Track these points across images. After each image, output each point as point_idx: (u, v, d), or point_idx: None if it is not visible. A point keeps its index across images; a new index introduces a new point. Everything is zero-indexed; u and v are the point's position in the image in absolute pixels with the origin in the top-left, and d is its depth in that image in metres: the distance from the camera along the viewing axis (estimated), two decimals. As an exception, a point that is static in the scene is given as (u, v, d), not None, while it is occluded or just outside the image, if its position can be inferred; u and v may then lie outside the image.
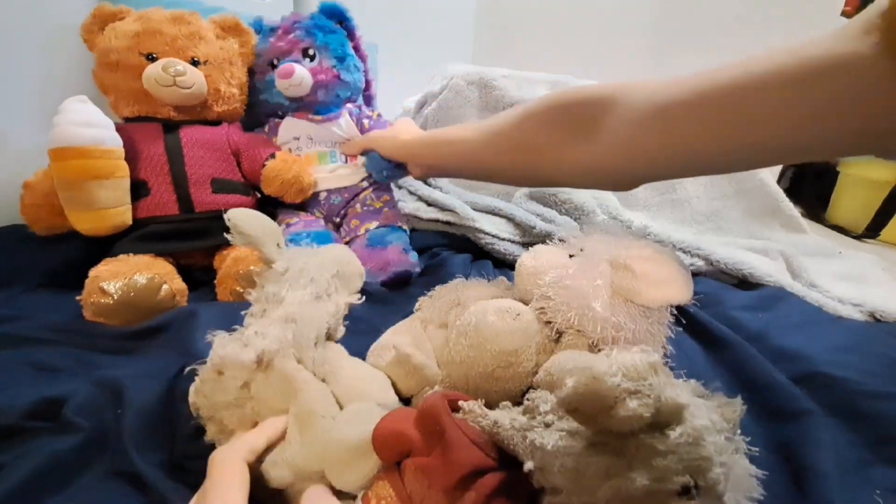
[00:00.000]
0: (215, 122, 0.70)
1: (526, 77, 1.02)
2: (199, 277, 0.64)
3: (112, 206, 0.56)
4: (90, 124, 0.54)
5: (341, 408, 0.38)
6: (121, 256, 0.57)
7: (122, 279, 0.53)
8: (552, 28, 1.40)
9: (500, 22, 1.41)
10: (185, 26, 0.67)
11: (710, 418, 0.25)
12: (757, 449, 0.31)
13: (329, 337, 0.44)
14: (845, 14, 1.65)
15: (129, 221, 0.59)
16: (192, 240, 0.63)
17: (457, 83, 0.97)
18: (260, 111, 0.80)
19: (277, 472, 0.34)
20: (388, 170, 0.73)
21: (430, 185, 0.95)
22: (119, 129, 0.61)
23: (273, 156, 0.73)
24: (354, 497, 0.33)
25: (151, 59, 0.63)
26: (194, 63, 0.66)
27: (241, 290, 0.56)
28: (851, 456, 0.44)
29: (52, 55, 0.68)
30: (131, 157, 0.61)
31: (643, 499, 0.23)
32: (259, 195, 0.75)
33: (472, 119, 1.00)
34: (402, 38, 0.88)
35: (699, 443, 0.23)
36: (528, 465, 0.28)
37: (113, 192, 0.56)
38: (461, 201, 0.88)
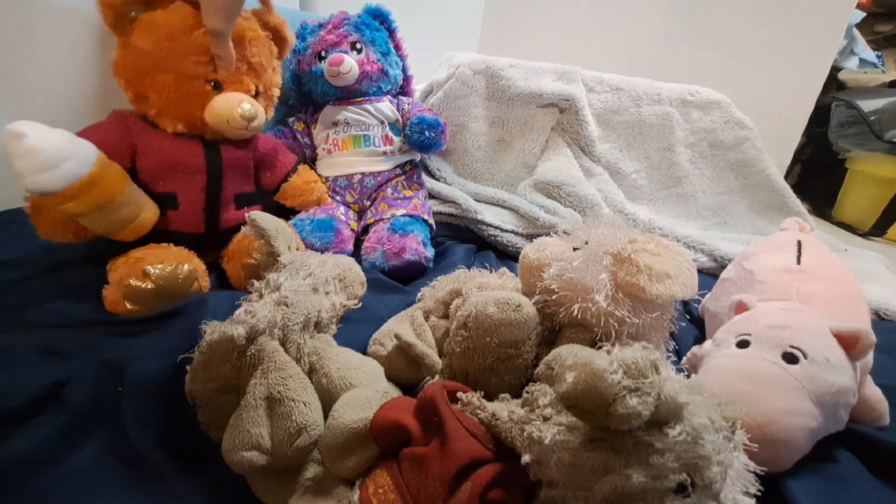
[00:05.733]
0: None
1: (533, 67, 1.01)
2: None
3: (134, 218, 0.52)
4: (51, 165, 0.44)
5: (325, 399, 0.38)
6: (162, 245, 0.54)
7: (168, 265, 0.51)
8: (561, 17, 1.37)
9: (507, 10, 1.38)
10: (250, 47, 0.60)
11: (709, 417, 0.25)
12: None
13: (319, 330, 0.44)
14: (860, 6, 1.62)
15: (157, 214, 0.55)
16: (209, 249, 0.60)
17: (463, 72, 0.95)
18: (297, 101, 0.85)
19: (246, 456, 0.32)
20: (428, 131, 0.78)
21: (433, 177, 0.95)
22: (156, 138, 0.56)
23: (294, 169, 0.72)
24: (352, 484, 0.33)
25: (217, 87, 0.58)
26: (255, 94, 0.61)
27: (252, 262, 0.55)
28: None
29: (48, 38, 0.66)
30: (166, 167, 0.56)
31: (639, 495, 0.23)
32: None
33: (477, 109, 0.98)
34: (409, 26, 0.87)
35: (697, 441, 0.23)
36: (526, 459, 0.28)
37: (126, 209, 0.52)
38: (464, 192, 0.88)
